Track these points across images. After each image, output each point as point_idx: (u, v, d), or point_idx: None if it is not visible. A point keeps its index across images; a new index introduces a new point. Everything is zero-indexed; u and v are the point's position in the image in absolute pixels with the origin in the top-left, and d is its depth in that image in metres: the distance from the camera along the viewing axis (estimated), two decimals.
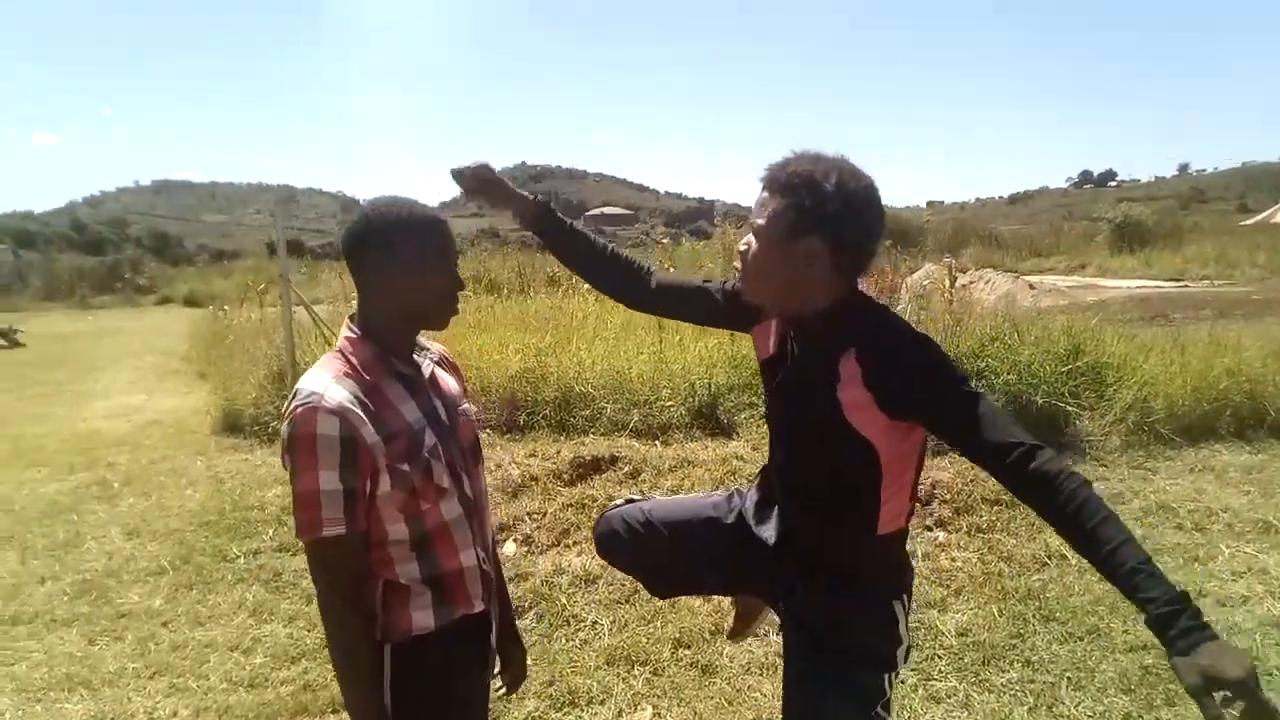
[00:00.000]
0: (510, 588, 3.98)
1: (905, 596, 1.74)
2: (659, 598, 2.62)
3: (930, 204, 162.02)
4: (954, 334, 6.41)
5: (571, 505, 4.82)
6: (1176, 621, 1.19)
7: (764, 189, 1.59)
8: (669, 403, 6.24)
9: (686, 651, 3.39)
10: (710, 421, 6.14)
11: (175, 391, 9.75)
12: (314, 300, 14.27)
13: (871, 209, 1.55)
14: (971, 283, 15.64)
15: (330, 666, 3.22)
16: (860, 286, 1.66)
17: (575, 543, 4.44)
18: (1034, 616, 3.50)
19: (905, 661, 1.75)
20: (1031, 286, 14.81)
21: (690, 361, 6.77)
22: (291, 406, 1.42)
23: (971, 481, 4.74)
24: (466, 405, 1.74)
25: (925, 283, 13.01)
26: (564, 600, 3.87)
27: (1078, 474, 1.37)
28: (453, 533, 1.57)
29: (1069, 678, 3.09)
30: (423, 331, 1.65)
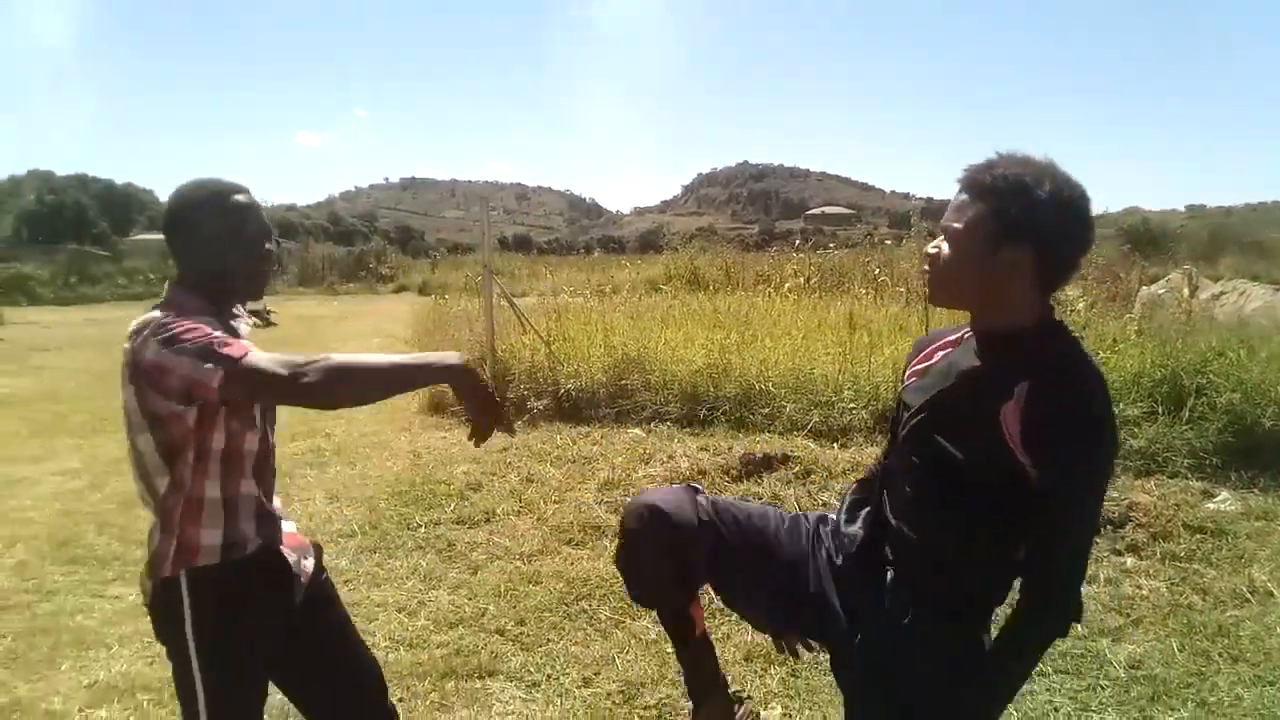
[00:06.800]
0: None
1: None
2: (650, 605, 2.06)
3: (1190, 207, 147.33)
4: (1175, 348, 5.85)
5: None
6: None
7: (963, 191, 1.50)
8: (851, 404, 6.08)
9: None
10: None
11: None
12: (523, 293, 14.91)
13: (1085, 220, 1.45)
14: (1222, 294, 14.21)
15: (480, 634, 3.38)
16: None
17: None
18: (1221, 655, 3.13)
19: None
20: None
21: (877, 365, 6.56)
22: (155, 321, 1.55)
23: (1175, 506, 4.32)
24: None
25: (1160, 292, 11.96)
26: None
27: (1050, 631, 1.46)
28: (245, 460, 1.67)
29: None
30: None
